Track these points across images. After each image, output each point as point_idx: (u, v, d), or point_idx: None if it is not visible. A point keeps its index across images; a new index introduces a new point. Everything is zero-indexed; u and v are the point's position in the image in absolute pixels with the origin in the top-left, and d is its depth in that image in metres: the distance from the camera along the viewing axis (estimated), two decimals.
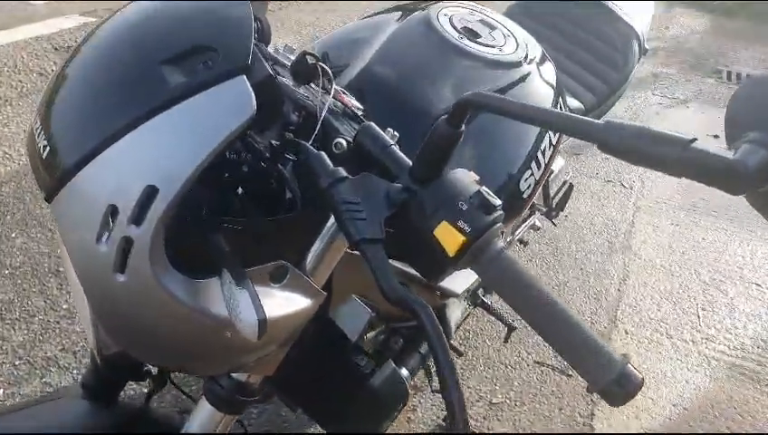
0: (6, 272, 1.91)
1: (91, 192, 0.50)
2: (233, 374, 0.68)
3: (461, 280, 0.89)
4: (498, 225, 0.50)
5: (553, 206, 1.66)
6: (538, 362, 1.89)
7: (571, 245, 2.38)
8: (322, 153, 0.54)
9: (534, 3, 1.61)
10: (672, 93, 3.98)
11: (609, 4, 1.65)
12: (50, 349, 1.67)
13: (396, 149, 0.56)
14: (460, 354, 1.40)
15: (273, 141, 0.57)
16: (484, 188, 0.51)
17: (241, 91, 0.50)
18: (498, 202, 0.50)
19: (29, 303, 1.81)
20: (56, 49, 3.27)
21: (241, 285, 0.49)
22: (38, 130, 0.54)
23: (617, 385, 0.46)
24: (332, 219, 0.60)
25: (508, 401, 1.76)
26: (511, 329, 1.55)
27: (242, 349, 0.58)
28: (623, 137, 0.44)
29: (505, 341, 1.61)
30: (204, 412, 0.70)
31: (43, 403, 0.93)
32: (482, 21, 0.95)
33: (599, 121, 0.45)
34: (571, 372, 1.87)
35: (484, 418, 1.70)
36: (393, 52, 0.84)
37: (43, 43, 3.31)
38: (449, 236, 0.49)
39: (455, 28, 0.90)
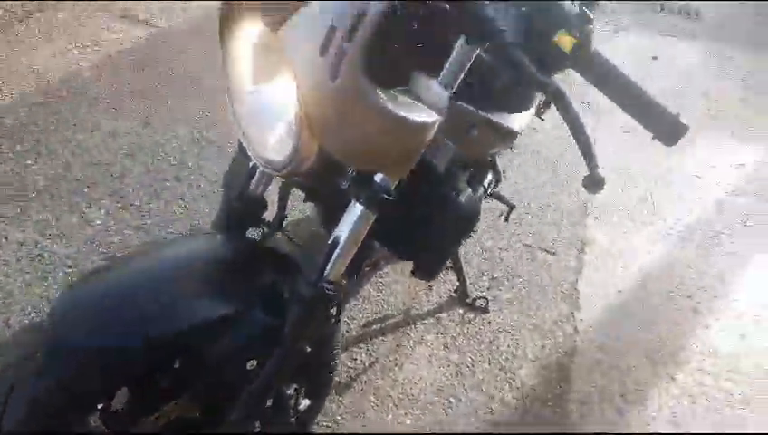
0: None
1: (314, 18, 0.70)
2: (375, 178, 0.90)
3: (519, 122, 1.14)
4: (593, 30, 0.74)
5: None
6: (526, 245, 2.20)
7: None
8: None
9: None
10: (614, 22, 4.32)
11: None
12: None
13: None
14: (512, 207, 1.62)
15: None
16: (584, 8, 0.75)
17: None
18: (592, 16, 0.74)
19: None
20: None
21: (427, 78, 0.72)
22: None
23: (675, 132, 0.72)
24: (462, 39, 0.81)
25: (506, 276, 2.06)
26: (511, 208, 1.83)
27: (410, 144, 0.81)
28: None
29: (506, 219, 1.88)
30: (355, 213, 0.93)
31: (184, 239, 1.11)
32: None
33: None
34: (554, 250, 2.19)
35: (488, 288, 1.99)
36: None
37: None
38: (565, 41, 0.73)
39: None
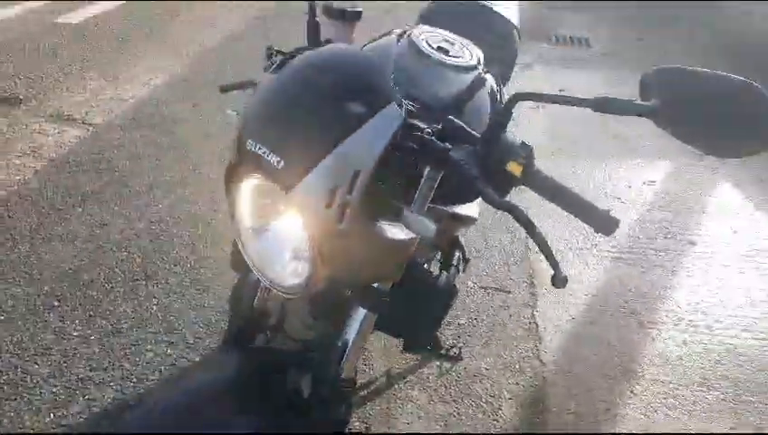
0: None
1: (320, 181, 0.85)
2: (373, 285, 1.05)
3: (477, 208, 1.32)
4: (534, 153, 0.92)
5: None
6: (483, 287, 2.39)
7: None
8: (433, 138, 0.93)
9: (438, 4, 2.04)
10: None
11: (486, 3, 2.11)
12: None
13: (468, 128, 0.96)
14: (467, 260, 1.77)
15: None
16: (523, 141, 0.93)
17: (395, 112, 0.88)
18: (531, 145, 0.92)
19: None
20: None
21: (413, 214, 0.88)
22: (266, 153, 0.87)
23: (609, 226, 0.91)
24: (426, 173, 0.97)
25: (470, 321, 2.24)
26: (467, 261, 2.01)
27: (402, 257, 0.97)
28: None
29: (463, 271, 2.07)
30: (359, 317, 1.07)
31: (201, 364, 1.20)
32: (445, 39, 1.36)
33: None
34: (509, 289, 2.39)
35: (458, 336, 2.16)
36: (404, 72, 1.21)
37: None
38: (515, 167, 0.91)
39: (431, 47, 1.30)
